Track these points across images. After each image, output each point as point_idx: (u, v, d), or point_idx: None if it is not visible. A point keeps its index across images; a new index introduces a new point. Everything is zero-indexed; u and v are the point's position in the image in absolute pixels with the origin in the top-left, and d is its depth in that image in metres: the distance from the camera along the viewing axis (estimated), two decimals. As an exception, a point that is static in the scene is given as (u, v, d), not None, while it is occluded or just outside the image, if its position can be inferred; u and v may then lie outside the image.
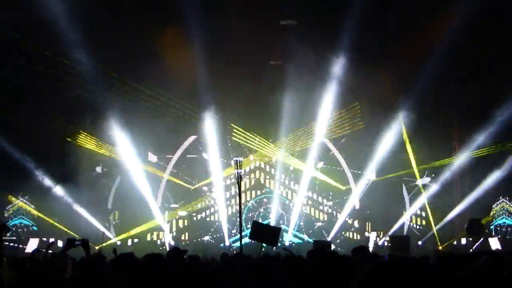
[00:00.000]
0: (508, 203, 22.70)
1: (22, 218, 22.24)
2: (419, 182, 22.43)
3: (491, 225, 22.51)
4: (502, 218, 22.73)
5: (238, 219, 12.22)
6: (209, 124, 21.39)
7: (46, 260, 6.49)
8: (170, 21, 16.77)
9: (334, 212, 23.31)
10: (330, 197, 23.39)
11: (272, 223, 21.84)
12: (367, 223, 23.32)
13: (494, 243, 20.37)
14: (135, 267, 5.70)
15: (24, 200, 21.98)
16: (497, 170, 20.25)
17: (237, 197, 16.58)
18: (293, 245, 22.13)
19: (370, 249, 20.27)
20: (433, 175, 22.14)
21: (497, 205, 22.72)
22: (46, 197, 20.70)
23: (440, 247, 21.06)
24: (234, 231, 22.72)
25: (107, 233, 21.74)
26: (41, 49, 17.13)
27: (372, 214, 23.12)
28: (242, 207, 20.52)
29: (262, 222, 20.07)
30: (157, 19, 16.66)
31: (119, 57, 18.25)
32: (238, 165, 11.92)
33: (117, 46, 17.59)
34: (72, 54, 16.95)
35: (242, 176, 16.71)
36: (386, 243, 21.63)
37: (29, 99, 18.59)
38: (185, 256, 7.49)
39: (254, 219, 20.98)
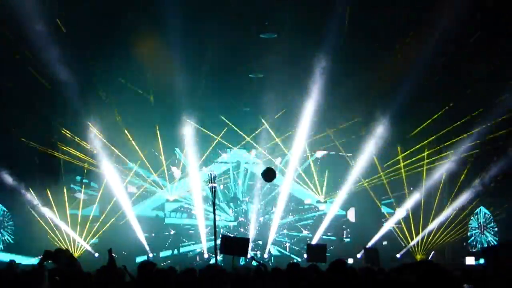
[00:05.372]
0: (489, 227, 22.83)
1: None
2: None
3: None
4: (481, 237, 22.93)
5: (213, 231, 12.26)
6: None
7: (23, 272, 6.44)
8: (149, 32, 16.57)
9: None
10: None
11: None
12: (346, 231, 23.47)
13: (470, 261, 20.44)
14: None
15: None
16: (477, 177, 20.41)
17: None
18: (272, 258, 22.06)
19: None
20: (411, 188, 22.22)
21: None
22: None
23: (418, 259, 21.23)
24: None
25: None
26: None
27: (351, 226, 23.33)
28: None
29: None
30: (136, 30, 16.44)
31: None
32: (212, 179, 12.08)
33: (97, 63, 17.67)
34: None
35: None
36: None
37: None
38: (153, 270, 7.14)
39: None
